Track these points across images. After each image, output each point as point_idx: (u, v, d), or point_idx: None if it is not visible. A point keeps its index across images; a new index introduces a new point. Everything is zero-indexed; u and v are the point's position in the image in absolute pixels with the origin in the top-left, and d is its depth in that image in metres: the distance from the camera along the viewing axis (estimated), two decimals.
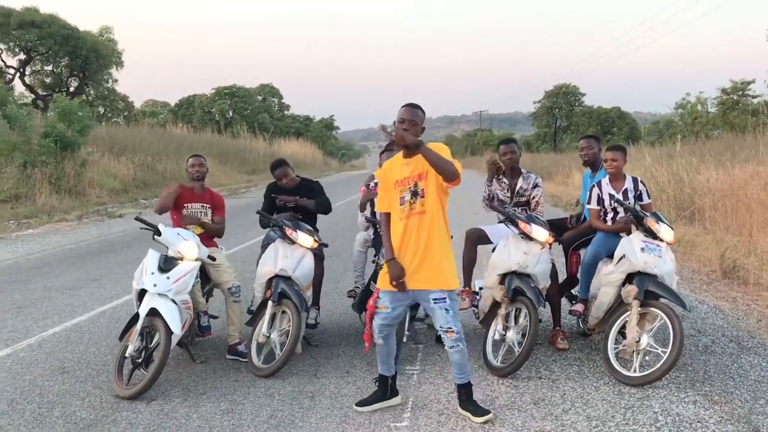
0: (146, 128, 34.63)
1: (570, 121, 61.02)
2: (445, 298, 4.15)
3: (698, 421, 4.14)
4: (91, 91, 41.01)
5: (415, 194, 4.14)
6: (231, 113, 58.88)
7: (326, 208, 6.19)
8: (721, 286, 8.24)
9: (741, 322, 6.49)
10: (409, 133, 4.00)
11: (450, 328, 4.16)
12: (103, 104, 42.93)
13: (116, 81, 41.75)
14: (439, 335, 5.78)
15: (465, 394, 4.33)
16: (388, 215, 4.28)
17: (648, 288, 4.86)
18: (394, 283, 4.15)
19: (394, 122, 4.17)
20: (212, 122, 54.50)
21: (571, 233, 5.97)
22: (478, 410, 4.26)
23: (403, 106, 4.18)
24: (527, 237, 5.29)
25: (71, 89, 38.45)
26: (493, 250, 5.72)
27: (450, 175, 4.03)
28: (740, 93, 37.50)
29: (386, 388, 4.52)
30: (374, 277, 5.70)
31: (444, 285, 4.16)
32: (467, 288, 5.86)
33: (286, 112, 69.67)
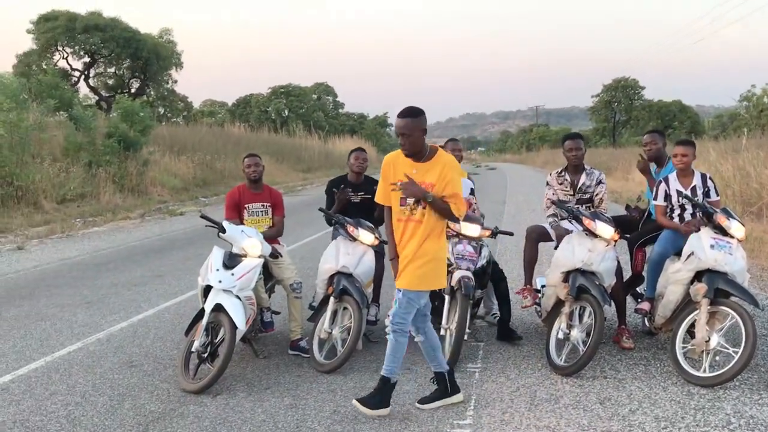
0: (205, 128, 35.36)
1: (629, 115, 59.69)
2: (401, 292, 4.26)
3: None
4: (152, 92, 42.03)
5: (418, 202, 4.16)
6: (287, 112, 59.67)
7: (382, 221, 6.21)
8: None
9: None
10: (410, 184, 4.12)
11: (388, 315, 4.44)
12: (162, 104, 43.97)
13: (176, 82, 42.71)
14: (501, 332, 5.77)
15: (380, 382, 4.36)
16: (390, 209, 4.37)
17: (718, 286, 4.72)
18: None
19: (395, 131, 4.23)
20: (268, 121, 55.28)
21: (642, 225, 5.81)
22: (375, 404, 4.31)
23: (398, 117, 4.18)
24: (591, 234, 5.20)
25: (132, 90, 39.48)
26: (556, 248, 5.64)
27: (448, 219, 4.30)
28: None
29: (446, 385, 4.49)
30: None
31: (411, 285, 4.23)
32: (528, 286, 5.79)
33: (340, 110, 70.16)
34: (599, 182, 5.86)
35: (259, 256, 5.31)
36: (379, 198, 4.44)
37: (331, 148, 47.31)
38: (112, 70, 39.85)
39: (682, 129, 40.53)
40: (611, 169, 26.70)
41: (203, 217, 5.52)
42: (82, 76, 38.33)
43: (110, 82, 40.22)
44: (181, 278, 9.20)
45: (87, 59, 37.92)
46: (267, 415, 4.46)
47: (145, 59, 37.46)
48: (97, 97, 38.31)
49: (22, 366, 5.61)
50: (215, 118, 54.23)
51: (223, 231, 5.33)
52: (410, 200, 4.17)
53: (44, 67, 34.05)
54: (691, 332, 4.88)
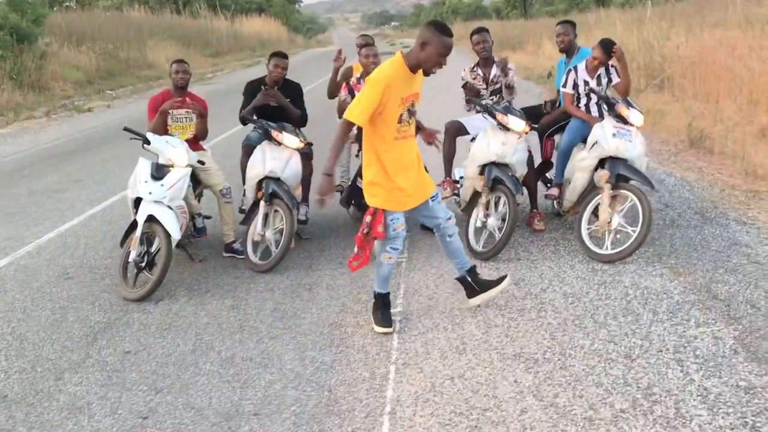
0: (102, 13, 33.18)
1: None
2: (437, 194, 4.41)
3: (664, 293, 4.57)
4: None
5: (411, 113, 4.09)
6: None
7: (304, 122, 6.26)
8: (689, 156, 8.62)
9: (705, 192, 6.89)
10: None
11: (451, 216, 4.41)
12: None
13: None
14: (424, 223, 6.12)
15: (473, 273, 4.50)
16: (350, 126, 4.00)
17: (619, 172, 5.17)
18: (319, 197, 4.02)
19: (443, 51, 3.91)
20: (170, 2, 52.09)
21: (546, 119, 6.18)
22: (494, 282, 4.48)
23: (450, 36, 3.90)
24: (505, 128, 5.51)
25: None
26: (472, 140, 5.93)
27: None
28: None
29: (388, 305, 4.45)
30: (360, 172, 5.92)
31: (434, 187, 4.42)
32: (448, 178, 6.12)
33: None
34: (508, 69, 6.15)
35: (187, 165, 5.39)
36: (357, 118, 3.90)
37: (240, 28, 45.47)
38: None
39: None
40: (522, 43, 26.94)
41: (127, 129, 5.50)
42: None
43: None
44: (102, 182, 9.10)
45: None
46: (210, 318, 4.73)
47: None
48: None
49: None
50: (112, 1, 50.70)
51: (148, 143, 5.34)
52: (406, 115, 4.02)
53: None
54: (595, 214, 5.37)
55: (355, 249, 4.26)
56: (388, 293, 4.43)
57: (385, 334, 4.28)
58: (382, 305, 4.38)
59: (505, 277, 4.51)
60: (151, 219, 5.15)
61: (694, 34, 13.60)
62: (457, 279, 4.56)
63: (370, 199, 4.17)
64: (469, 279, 4.49)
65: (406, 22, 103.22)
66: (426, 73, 4.05)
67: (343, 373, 3.85)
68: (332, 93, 6.78)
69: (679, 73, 12.73)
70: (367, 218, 4.16)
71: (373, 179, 4.12)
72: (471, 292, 4.51)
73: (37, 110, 17.44)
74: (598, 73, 5.73)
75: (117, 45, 25.98)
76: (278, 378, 3.86)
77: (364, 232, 4.17)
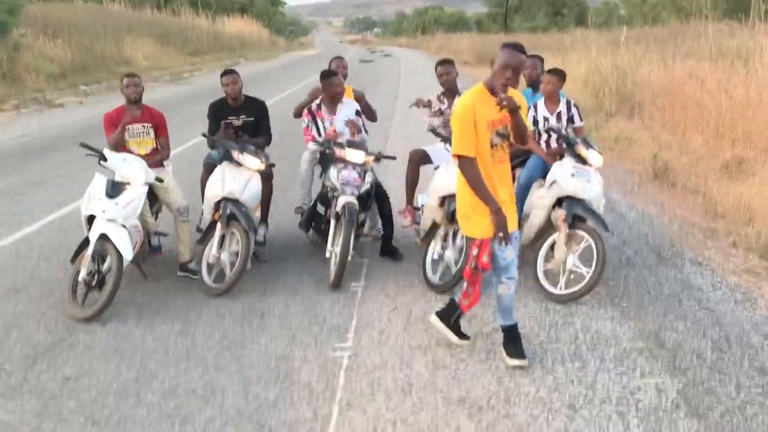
0: (81, 5, 32.78)
1: (522, 0, 59.94)
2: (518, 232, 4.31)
3: (613, 338, 4.59)
4: None
5: (504, 137, 4.00)
6: None
7: (268, 142, 6.23)
8: (652, 188, 8.70)
9: (665, 228, 6.95)
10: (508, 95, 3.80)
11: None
12: None
13: None
14: (384, 249, 6.10)
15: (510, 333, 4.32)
16: (474, 160, 3.93)
17: (576, 212, 5.19)
18: (501, 234, 3.93)
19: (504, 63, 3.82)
20: None
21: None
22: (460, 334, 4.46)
23: (514, 50, 3.81)
24: None
25: None
26: (436, 168, 5.92)
27: (523, 140, 4.09)
28: None
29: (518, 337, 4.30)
30: (321, 198, 5.89)
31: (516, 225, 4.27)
32: (410, 207, 6.11)
33: None
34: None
35: (144, 184, 5.30)
36: (464, 150, 3.91)
37: (221, 28, 45.24)
38: None
39: (570, 17, 41.20)
40: None
41: (83, 145, 5.39)
42: None
43: None
44: (64, 186, 8.92)
45: None
46: (158, 343, 4.64)
47: None
48: None
49: None
50: None
51: (104, 159, 5.24)
52: (496, 140, 3.95)
53: None
54: (552, 249, 5.37)
55: (464, 285, 4.19)
56: (516, 324, 4.30)
57: (520, 366, 4.18)
58: (511, 338, 4.26)
59: (467, 338, 4.51)
60: (103, 237, 5.05)
61: (665, 63, 13.76)
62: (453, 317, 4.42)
63: (471, 230, 4.10)
64: (453, 319, 4.43)
65: (389, 29, 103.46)
66: (496, 92, 3.84)
67: (285, 412, 3.79)
68: (298, 113, 6.74)
69: (649, 100, 12.88)
70: (474, 251, 4.05)
71: (472, 208, 4.03)
72: (443, 314, 4.45)
73: (6, 103, 17.15)
74: (559, 109, 5.76)
75: (94, 39, 25.65)
76: (219, 414, 3.80)
77: (472, 266, 4.06)
